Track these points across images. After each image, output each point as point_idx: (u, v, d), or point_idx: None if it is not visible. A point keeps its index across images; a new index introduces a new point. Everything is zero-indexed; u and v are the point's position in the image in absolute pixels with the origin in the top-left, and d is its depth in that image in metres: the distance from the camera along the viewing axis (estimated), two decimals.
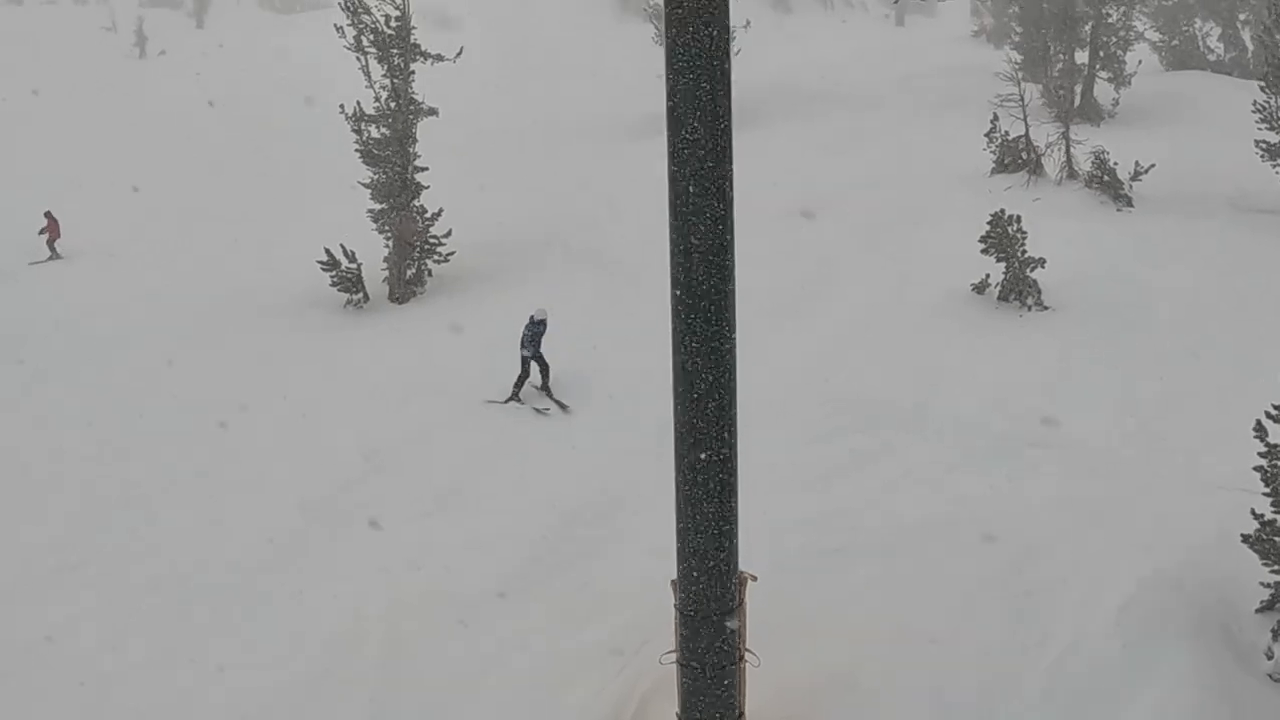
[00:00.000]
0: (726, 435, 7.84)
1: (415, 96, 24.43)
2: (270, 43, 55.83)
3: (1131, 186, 25.64)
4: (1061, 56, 35.50)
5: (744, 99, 37.89)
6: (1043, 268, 20.07)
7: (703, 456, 8.20)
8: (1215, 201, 25.87)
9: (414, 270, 24.92)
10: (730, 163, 6.03)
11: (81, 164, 37.65)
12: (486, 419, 18.31)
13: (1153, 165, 25.45)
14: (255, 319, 23.67)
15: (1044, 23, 35.96)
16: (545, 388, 18.88)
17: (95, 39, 67.89)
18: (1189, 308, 20.12)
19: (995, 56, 46.02)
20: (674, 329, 6.90)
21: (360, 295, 24.23)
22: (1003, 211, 19.81)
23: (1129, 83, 34.90)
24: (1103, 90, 35.51)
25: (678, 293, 6.63)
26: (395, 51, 24.11)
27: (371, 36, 24.16)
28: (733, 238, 6.43)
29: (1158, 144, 29.63)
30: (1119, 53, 35.49)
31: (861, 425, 16.72)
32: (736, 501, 8.87)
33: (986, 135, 27.68)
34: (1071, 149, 27.44)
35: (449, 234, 24.76)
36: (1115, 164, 25.69)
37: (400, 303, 24.67)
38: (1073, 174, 27.11)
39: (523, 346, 18.75)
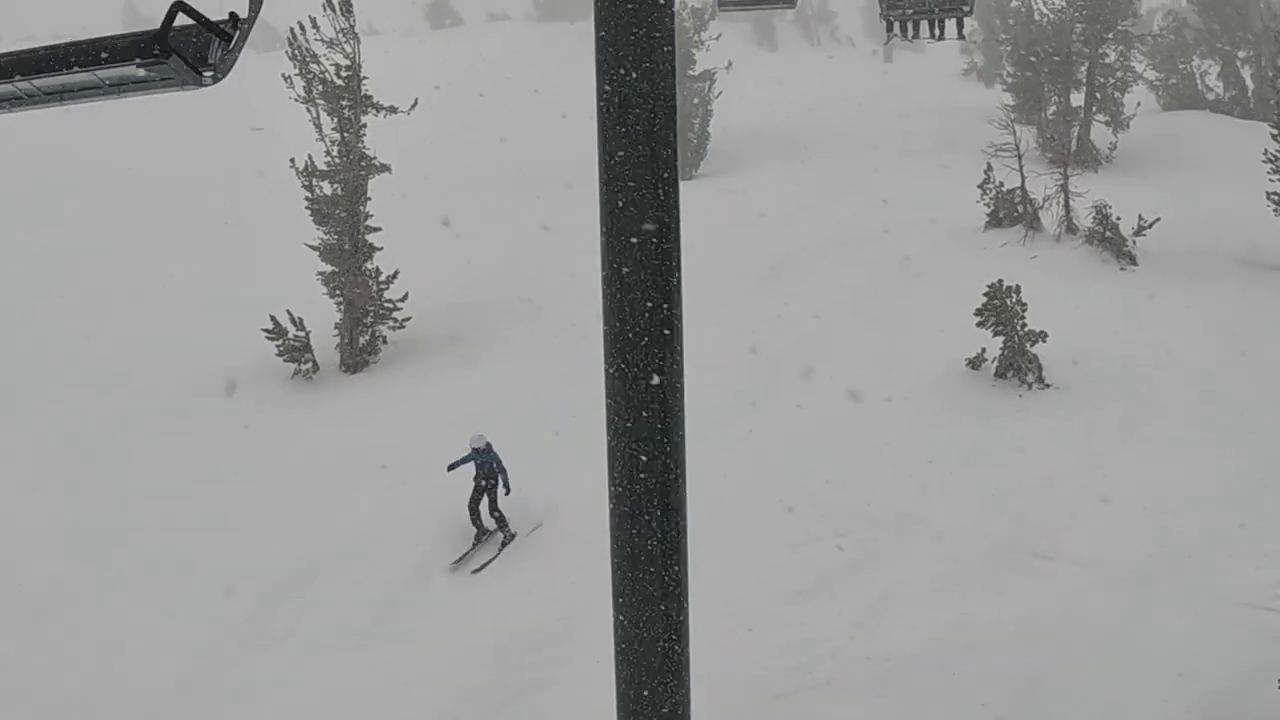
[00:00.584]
0: (675, 561, 5.87)
1: (367, 151, 22.78)
2: (249, 80, 54.25)
3: (1135, 242, 23.99)
4: (1056, 99, 34.06)
5: (724, 143, 36.77)
6: (1044, 342, 18.35)
7: (649, 587, 6.26)
8: (1223, 258, 24.28)
9: (368, 337, 23.22)
10: (676, 188, 4.29)
11: (31, 206, 35.82)
12: (433, 523, 16.40)
13: (1157, 219, 23.82)
14: (195, 393, 21.84)
15: (1038, 63, 34.53)
16: (501, 525, 15.83)
17: None
18: (1202, 382, 18.44)
19: (986, 96, 44.74)
20: (609, 428, 4.96)
21: (309, 365, 22.54)
22: (1000, 282, 18.12)
23: (1127, 126, 33.37)
24: (1099, 133, 33.97)
25: (611, 371, 4.71)
26: (345, 103, 22.49)
27: (320, 87, 22.56)
28: (680, 293, 4.61)
29: (1159, 192, 28.12)
30: (1117, 94, 33.98)
31: (842, 531, 14.92)
32: (687, 644, 7.04)
33: (980, 187, 25.98)
34: (1070, 201, 25.75)
35: (405, 298, 23.09)
36: (1118, 219, 24.02)
37: (352, 372, 22.98)
38: (1072, 228, 25.42)
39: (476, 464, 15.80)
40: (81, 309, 25.93)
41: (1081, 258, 24.06)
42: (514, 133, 41.33)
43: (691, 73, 36.82)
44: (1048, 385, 18.43)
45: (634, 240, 4.35)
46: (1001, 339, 18.43)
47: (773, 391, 18.98)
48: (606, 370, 4.50)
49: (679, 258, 4.27)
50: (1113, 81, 33.97)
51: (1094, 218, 24.39)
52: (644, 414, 4.64)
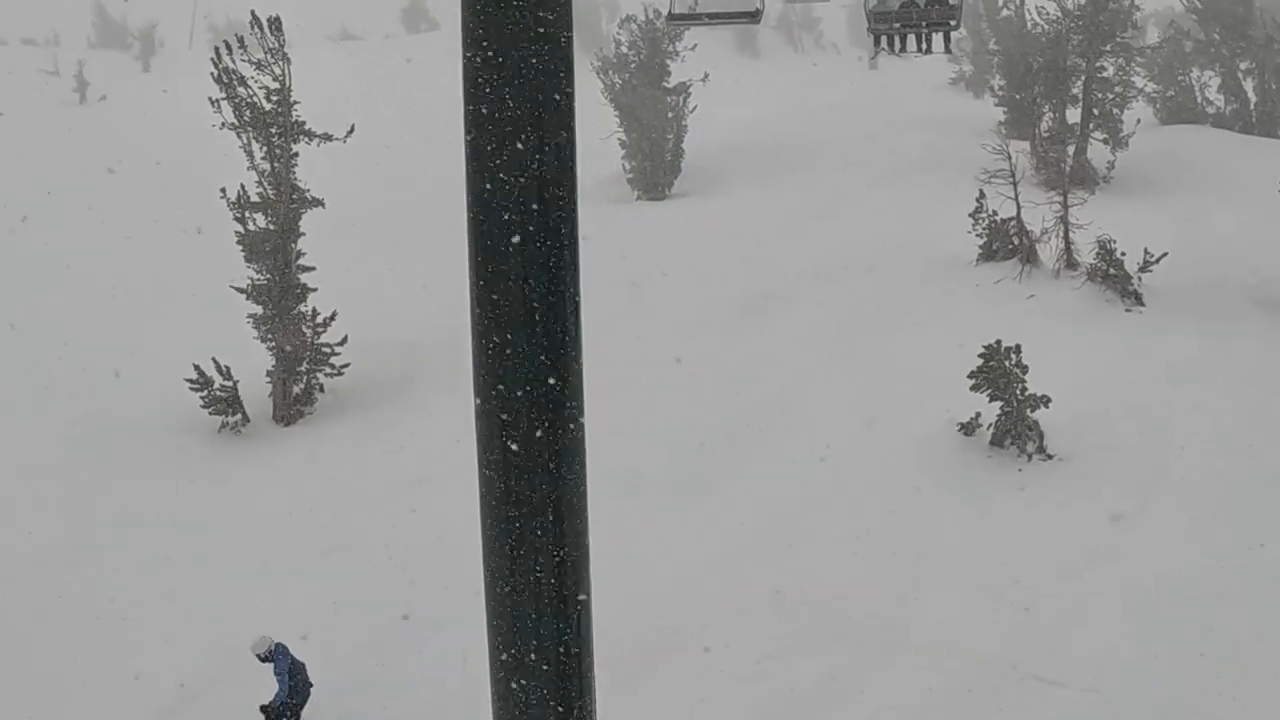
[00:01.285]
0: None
1: (298, 183, 20.70)
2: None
3: (1140, 279, 22.01)
4: (1051, 114, 32.08)
5: (700, 159, 34.58)
6: (1046, 407, 16.34)
7: None
8: (1234, 293, 22.34)
9: (302, 386, 21.16)
10: (574, 226, 3.16)
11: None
12: (354, 620, 14.32)
13: (1164, 255, 21.88)
14: (108, 454, 19.70)
15: (1031, 77, 32.54)
16: None
17: (34, 83, 63.56)
18: (1222, 449, 16.44)
19: (975, 106, 42.84)
20: (484, 552, 3.46)
21: (238, 417, 20.50)
22: (999, 343, 16.09)
23: (1126, 144, 31.31)
24: (1096, 151, 31.89)
25: (486, 471, 3.37)
26: (274, 130, 20.42)
27: (249, 113, 20.50)
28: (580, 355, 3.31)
29: (1160, 217, 26.20)
30: (1115, 111, 31.92)
31: (813, 642, 12.84)
32: None
33: (972, 216, 23.88)
34: (1070, 233, 23.63)
35: (344, 341, 21.03)
36: (1123, 254, 22.00)
37: (286, 424, 20.94)
38: (1072, 263, 23.35)
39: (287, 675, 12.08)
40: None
41: (1083, 297, 22.05)
42: (454, 154, 39.10)
43: (666, 85, 34.78)
44: (1050, 456, 16.40)
45: (508, 299, 3.20)
46: (999, 403, 16.43)
47: (736, 462, 16.84)
48: (480, 468, 3.20)
49: (578, 324, 3.21)
50: (1111, 97, 31.92)
51: (1096, 253, 22.35)
52: (535, 533, 3.27)
